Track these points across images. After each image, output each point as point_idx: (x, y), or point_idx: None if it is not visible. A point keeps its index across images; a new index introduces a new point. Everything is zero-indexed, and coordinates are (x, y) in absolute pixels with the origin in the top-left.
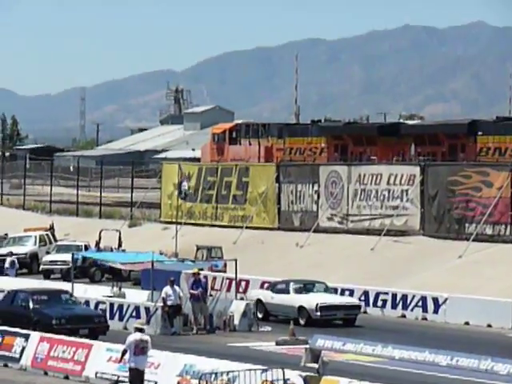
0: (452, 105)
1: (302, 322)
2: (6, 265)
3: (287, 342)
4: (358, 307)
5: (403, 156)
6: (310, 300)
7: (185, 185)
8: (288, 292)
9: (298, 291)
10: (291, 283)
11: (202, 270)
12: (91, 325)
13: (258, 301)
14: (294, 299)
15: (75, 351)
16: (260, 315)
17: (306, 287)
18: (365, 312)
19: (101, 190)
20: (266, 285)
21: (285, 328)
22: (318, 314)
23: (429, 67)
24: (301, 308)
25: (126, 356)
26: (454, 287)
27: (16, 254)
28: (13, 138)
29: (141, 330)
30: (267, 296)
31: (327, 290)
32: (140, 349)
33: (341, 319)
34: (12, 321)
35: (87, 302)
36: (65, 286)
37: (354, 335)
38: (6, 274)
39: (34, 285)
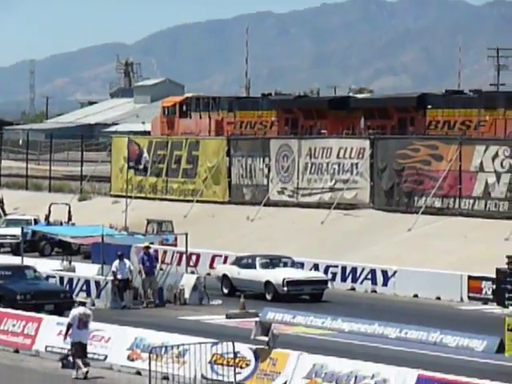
0: (402, 78)
1: (268, 297)
2: None
3: (237, 315)
4: (325, 282)
5: (353, 129)
6: (277, 275)
7: (146, 156)
8: (254, 267)
9: (265, 266)
10: (257, 258)
11: (152, 243)
12: (57, 300)
13: (224, 276)
14: (260, 274)
15: (25, 325)
16: (226, 290)
17: (273, 262)
18: None
19: (50, 164)
20: (216, 258)
21: (235, 301)
22: (285, 289)
23: (379, 40)
24: (267, 283)
25: (70, 330)
26: (404, 260)
27: None
28: None
29: (83, 304)
30: (233, 271)
31: (294, 264)
32: (83, 323)
33: (308, 294)
34: None
35: None
36: (14, 260)
37: (310, 309)
38: None
39: None
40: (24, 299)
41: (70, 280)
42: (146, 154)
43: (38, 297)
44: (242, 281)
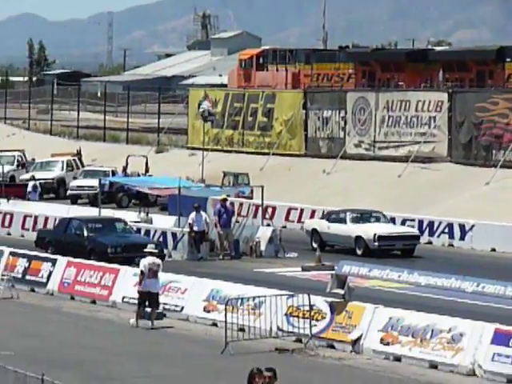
0: (481, 31)
1: (359, 252)
2: (29, 189)
3: (313, 267)
4: (417, 237)
5: (431, 82)
6: (368, 230)
7: (206, 104)
8: (345, 222)
9: (355, 221)
10: (348, 212)
11: (228, 196)
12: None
13: (314, 230)
14: (350, 229)
15: (102, 276)
16: (315, 245)
17: (363, 217)
18: None
19: (128, 116)
20: (291, 212)
21: (312, 254)
22: (376, 244)
23: None
24: (358, 238)
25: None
26: (481, 214)
27: (43, 179)
28: (40, 63)
29: (152, 254)
30: (323, 226)
31: (384, 219)
32: (153, 272)
33: (399, 250)
34: (66, 249)
35: None
36: (92, 211)
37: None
38: (28, 199)
39: (60, 209)
40: (115, 252)
41: (147, 232)
42: (206, 102)
43: (128, 250)
44: (332, 235)
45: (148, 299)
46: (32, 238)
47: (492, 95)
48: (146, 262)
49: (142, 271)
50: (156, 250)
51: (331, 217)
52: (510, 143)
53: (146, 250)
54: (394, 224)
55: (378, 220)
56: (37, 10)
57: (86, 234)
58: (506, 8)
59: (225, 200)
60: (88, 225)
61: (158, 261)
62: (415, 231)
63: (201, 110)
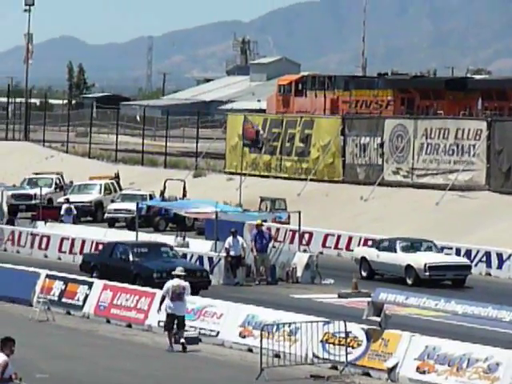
0: None
1: (409, 281)
2: (62, 211)
3: (350, 294)
4: (469, 267)
5: (470, 111)
6: (419, 259)
7: (262, 133)
8: (395, 250)
9: (405, 249)
10: (398, 241)
11: (265, 221)
12: (193, 279)
13: (363, 259)
14: (400, 258)
15: (138, 299)
16: (364, 274)
17: (414, 245)
18: None
19: (166, 140)
20: (328, 238)
21: (348, 281)
22: (427, 273)
23: (498, 20)
24: (408, 267)
25: (165, 302)
26: None
27: (81, 202)
28: (80, 86)
29: (179, 277)
30: (372, 254)
31: (435, 248)
32: (176, 295)
33: (450, 280)
34: (111, 274)
35: None
36: (129, 234)
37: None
38: (61, 221)
39: (98, 233)
40: (160, 277)
41: (184, 256)
42: (262, 132)
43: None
44: (381, 264)
45: (175, 322)
46: (68, 261)
47: None
48: (169, 284)
49: (162, 295)
50: (184, 273)
51: (381, 245)
52: None
53: (173, 272)
54: (444, 253)
55: (428, 249)
56: (77, 33)
57: (131, 258)
58: None
59: (260, 225)
60: (134, 249)
61: (184, 283)
62: (467, 261)
63: (260, 139)
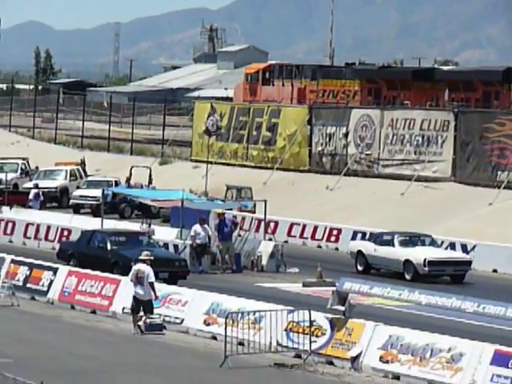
0: (488, 52)
1: (407, 276)
2: (30, 196)
3: (314, 284)
4: (469, 263)
5: (437, 102)
6: (418, 254)
7: (212, 118)
8: (393, 244)
9: (404, 244)
10: (396, 235)
11: (230, 209)
12: (172, 268)
13: (359, 252)
14: (399, 252)
15: (103, 286)
16: (360, 268)
17: (412, 240)
18: None
19: (133, 127)
20: (293, 227)
21: (313, 270)
22: (426, 269)
23: (466, 12)
24: (407, 262)
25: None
26: (484, 234)
27: (46, 188)
28: (46, 71)
29: (144, 261)
30: (369, 248)
31: (434, 243)
32: (137, 278)
33: (449, 275)
34: (88, 262)
35: None
36: (94, 221)
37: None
38: (29, 207)
39: (63, 219)
40: None
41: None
42: (215, 117)
43: (153, 264)
44: (379, 258)
45: (141, 306)
46: (33, 247)
47: (498, 116)
48: (133, 268)
49: (130, 279)
50: (150, 258)
51: (378, 239)
52: None
53: (139, 257)
54: (444, 249)
55: (427, 244)
56: (44, 18)
57: (109, 247)
58: None
59: (222, 214)
60: (112, 238)
61: (145, 268)
62: (466, 256)
63: (208, 122)
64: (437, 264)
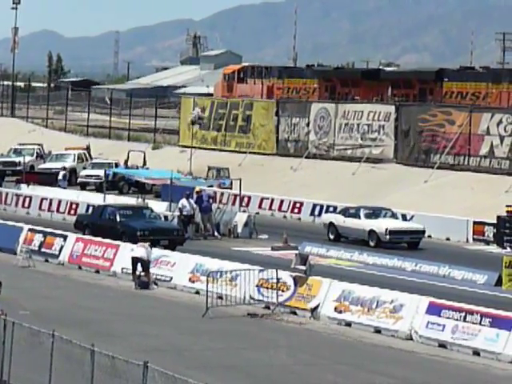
0: (424, 55)
1: (371, 244)
2: (59, 177)
3: (281, 247)
4: (423, 232)
5: (381, 97)
6: (380, 224)
7: (196, 111)
8: (359, 217)
9: (368, 216)
10: (362, 209)
11: (211, 186)
12: (171, 237)
13: (330, 224)
14: (364, 223)
15: (105, 250)
16: (332, 237)
17: (375, 213)
18: None
19: (129, 118)
20: (263, 201)
21: (280, 236)
22: (387, 237)
23: (406, 23)
24: (371, 232)
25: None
26: (420, 206)
27: (58, 168)
28: (57, 72)
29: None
30: (339, 220)
31: (393, 215)
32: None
33: (406, 242)
34: (100, 232)
35: None
36: (97, 196)
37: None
38: (59, 185)
39: (72, 194)
40: (143, 235)
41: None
42: (197, 109)
43: (155, 233)
44: (347, 229)
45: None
46: (47, 218)
47: (431, 108)
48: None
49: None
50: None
51: (347, 212)
52: (445, 148)
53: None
54: (402, 220)
55: (388, 216)
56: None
57: (118, 219)
58: (444, 37)
59: (200, 191)
60: (120, 211)
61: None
62: (421, 226)
63: (192, 114)
64: (396, 233)
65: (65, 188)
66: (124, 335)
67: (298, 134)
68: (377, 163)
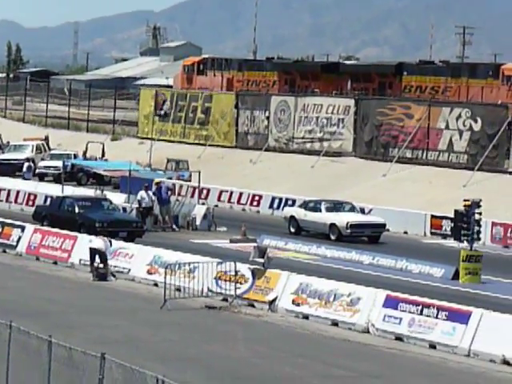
0: (383, 49)
1: (332, 237)
2: (24, 169)
3: (239, 240)
4: (383, 226)
5: (341, 90)
6: (341, 218)
7: (168, 104)
8: (320, 210)
9: (329, 210)
10: (323, 202)
11: (170, 178)
12: (130, 228)
13: (291, 217)
14: (325, 217)
15: (63, 241)
16: (293, 230)
17: (336, 206)
18: None
19: (88, 109)
20: (222, 194)
21: (238, 229)
22: (348, 231)
23: (366, 17)
24: (332, 225)
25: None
26: (379, 200)
27: (16, 160)
28: (16, 62)
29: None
30: (300, 213)
31: (354, 209)
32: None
33: (367, 236)
34: (59, 223)
35: None
36: (55, 187)
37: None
38: (23, 177)
39: (30, 185)
40: (101, 227)
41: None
42: (168, 103)
43: (113, 225)
44: (308, 222)
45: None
46: (4, 208)
47: (390, 102)
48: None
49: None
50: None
51: (308, 205)
52: (403, 142)
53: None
54: (362, 213)
55: (348, 210)
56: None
57: (77, 210)
58: (404, 30)
59: (159, 183)
60: (79, 202)
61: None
62: (382, 220)
63: (165, 108)
64: (357, 227)
65: (29, 179)
66: (82, 326)
67: (258, 127)
68: (336, 156)
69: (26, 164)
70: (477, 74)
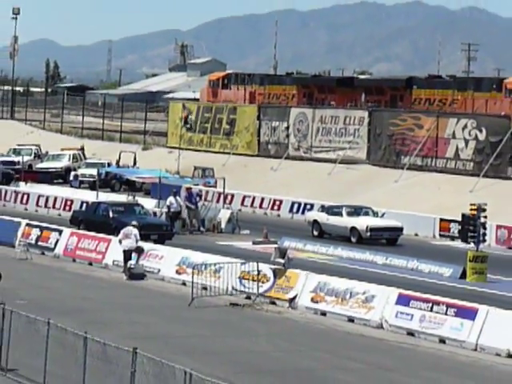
0: (395, 64)
1: (353, 240)
2: (71, 178)
3: (261, 242)
4: (401, 229)
5: (355, 103)
6: (361, 222)
7: (191, 118)
8: (341, 215)
9: (350, 214)
10: (344, 207)
11: (197, 185)
12: (160, 232)
13: (315, 221)
14: (346, 221)
15: (98, 244)
16: (316, 233)
17: (356, 211)
18: None
19: (121, 121)
20: (246, 199)
21: (260, 232)
22: (368, 234)
23: (378, 34)
24: (353, 229)
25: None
26: (391, 205)
27: (54, 168)
28: (54, 78)
29: (133, 226)
30: (323, 217)
31: (374, 213)
32: (125, 235)
33: (385, 239)
34: (94, 227)
35: None
36: (90, 194)
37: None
38: (71, 185)
39: (68, 192)
40: None
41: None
42: (191, 116)
43: (145, 228)
44: (330, 226)
45: (128, 256)
46: (43, 213)
47: (402, 114)
48: (123, 229)
49: (119, 240)
50: (135, 224)
51: (330, 210)
52: (414, 151)
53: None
54: (381, 218)
55: (368, 214)
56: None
57: (111, 215)
58: (414, 47)
59: (189, 188)
60: (113, 208)
61: (133, 229)
62: (399, 224)
63: (189, 121)
64: (376, 230)
65: (77, 187)
66: (115, 323)
67: (278, 137)
68: (351, 164)
69: (73, 173)
70: (481, 87)
